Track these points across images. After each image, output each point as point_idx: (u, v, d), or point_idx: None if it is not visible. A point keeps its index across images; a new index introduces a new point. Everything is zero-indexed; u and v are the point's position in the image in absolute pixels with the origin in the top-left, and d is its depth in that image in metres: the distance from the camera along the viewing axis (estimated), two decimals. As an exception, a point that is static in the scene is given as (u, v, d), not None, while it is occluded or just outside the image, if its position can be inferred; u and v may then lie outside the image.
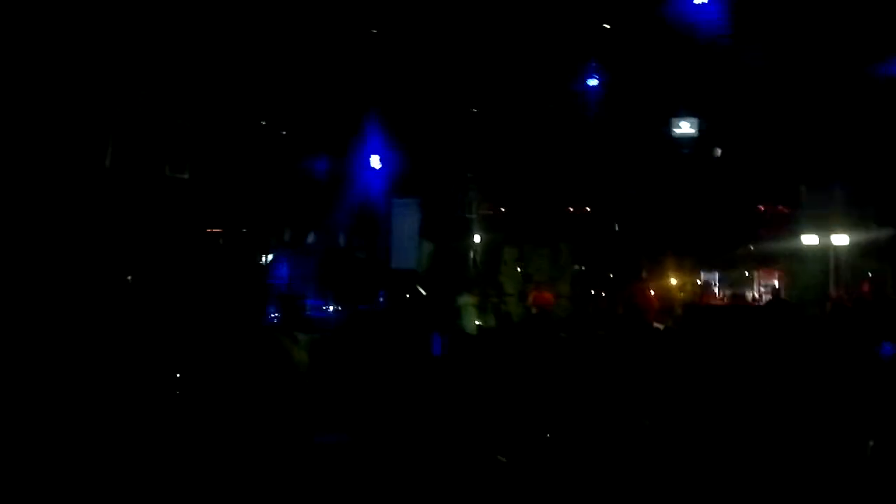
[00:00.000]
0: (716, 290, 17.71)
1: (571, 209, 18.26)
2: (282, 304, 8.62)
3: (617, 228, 17.78)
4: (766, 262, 17.57)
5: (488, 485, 5.16)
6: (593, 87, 16.43)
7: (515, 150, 16.54)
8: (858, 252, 15.72)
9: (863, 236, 15.63)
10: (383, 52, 14.72)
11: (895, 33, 13.33)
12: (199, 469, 3.66)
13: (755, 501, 5.12)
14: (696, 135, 16.78)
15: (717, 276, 17.91)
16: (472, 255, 17.70)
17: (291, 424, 3.81)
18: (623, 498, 5.22)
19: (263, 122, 15.41)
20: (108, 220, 10.11)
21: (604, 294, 17.24)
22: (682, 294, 16.76)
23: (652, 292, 16.05)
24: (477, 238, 17.80)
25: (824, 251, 15.93)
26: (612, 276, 17.45)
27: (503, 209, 18.40)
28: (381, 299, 14.93)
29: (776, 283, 17.13)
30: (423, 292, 13.97)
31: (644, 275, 17.19)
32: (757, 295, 17.32)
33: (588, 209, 18.23)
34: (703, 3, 14.51)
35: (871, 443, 5.68)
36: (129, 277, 9.08)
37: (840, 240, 15.60)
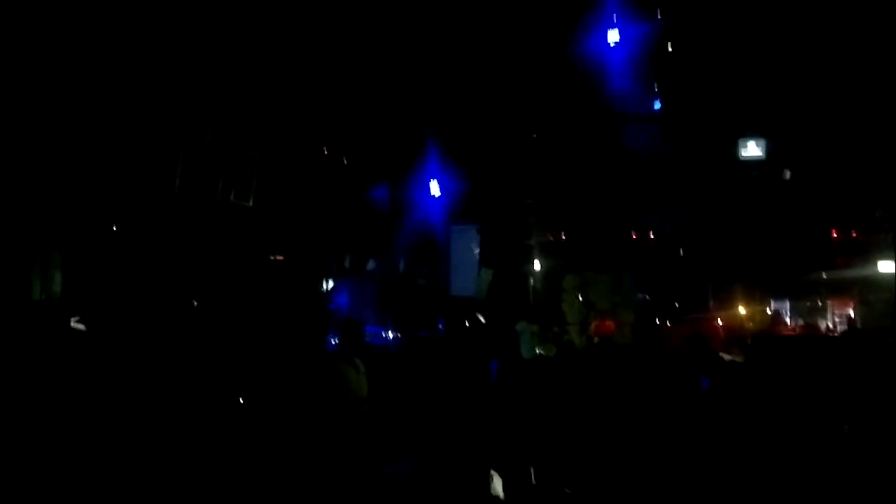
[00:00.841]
0: (787, 319, 17.04)
1: (634, 235, 17.90)
2: (342, 331, 8.63)
3: (682, 255, 17.33)
4: (839, 290, 16.86)
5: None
6: (657, 110, 16.16)
7: (576, 175, 16.34)
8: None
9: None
10: (443, 79, 14.82)
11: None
12: (262, 497, 3.60)
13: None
14: (763, 157, 16.29)
15: (787, 304, 17.26)
16: (531, 282, 17.44)
17: (354, 452, 3.72)
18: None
19: (325, 151, 15.63)
20: (175, 245, 10.37)
21: (669, 324, 16.78)
22: (751, 324, 16.18)
23: (719, 321, 15.57)
24: (537, 265, 17.56)
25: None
26: (677, 304, 16.99)
27: (564, 235, 18.17)
28: (441, 326, 14.84)
29: (851, 312, 16.44)
30: (483, 320, 13.80)
31: (711, 303, 16.71)
32: (831, 325, 16.62)
33: (651, 235, 17.84)
34: (765, 22, 14.20)
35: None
36: (194, 303, 9.25)
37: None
